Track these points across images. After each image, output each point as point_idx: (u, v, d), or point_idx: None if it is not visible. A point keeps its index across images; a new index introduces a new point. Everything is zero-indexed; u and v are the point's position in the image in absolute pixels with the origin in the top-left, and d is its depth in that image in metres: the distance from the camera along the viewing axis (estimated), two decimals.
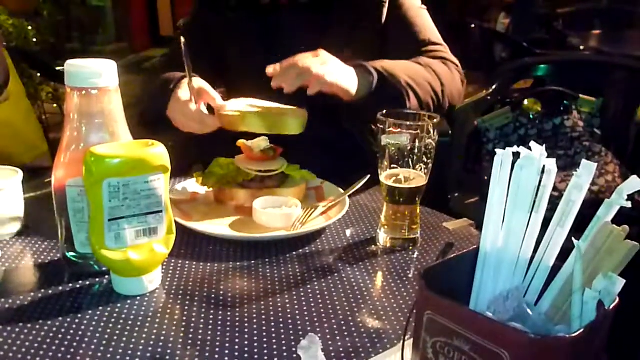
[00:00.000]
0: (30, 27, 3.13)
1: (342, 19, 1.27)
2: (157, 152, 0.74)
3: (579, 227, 0.56)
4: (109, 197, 0.71)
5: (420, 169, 0.89)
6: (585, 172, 0.55)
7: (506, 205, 0.59)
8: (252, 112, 1.03)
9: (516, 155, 0.59)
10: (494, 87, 2.01)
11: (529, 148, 0.59)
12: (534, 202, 0.58)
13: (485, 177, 1.92)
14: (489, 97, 1.99)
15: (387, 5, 1.26)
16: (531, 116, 1.90)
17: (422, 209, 0.99)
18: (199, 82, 1.11)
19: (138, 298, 0.76)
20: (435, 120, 0.89)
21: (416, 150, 0.88)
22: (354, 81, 1.07)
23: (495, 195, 0.59)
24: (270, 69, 1.03)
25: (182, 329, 0.71)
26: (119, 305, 0.75)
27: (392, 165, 0.89)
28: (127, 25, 6.76)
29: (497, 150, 0.59)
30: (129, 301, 0.76)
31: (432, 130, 0.88)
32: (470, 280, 0.61)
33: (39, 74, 2.84)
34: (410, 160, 0.89)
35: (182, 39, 1.06)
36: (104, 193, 0.71)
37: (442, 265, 0.60)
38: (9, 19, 2.89)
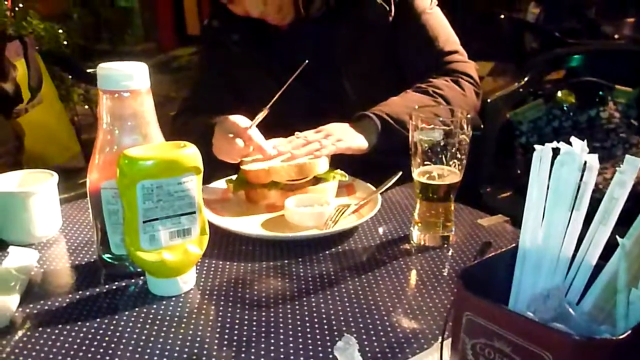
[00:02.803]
0: (60, 30, 3.18)
1: (347, 33, 1.25)
2: (190, 154, 0.74)
3: (618, 220, 0.55)
4: (142, 199, 0.71)
5: (454, 165, 0.88)
6: (630, 168, 0.53)
7: (546, 202, 0.57)
8: (278, 167, 1.02)
9: (555, 151, 0.57)
10: (525, 79, 1.98)
11: (566, 141, 0.57)
12: (575, 199, 0.56)
13: (518, 171, 1.89)
14: (520, 90, 1.95)
15: (392, 14, 1.23)
16: (565, 108, 1.86)
17: (456, 206, 0.97)
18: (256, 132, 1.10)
19: (173, 299, 0.77)
20: (469, 116, 0.87)
21: (449, 147, 0.87)
22: (362, 138, 1.10)
23: (534, 192, 0.58)
24: (272, 150, 1.07)
25: (217, 329, 0.71)
26: (154, 306, 0.75)
27: (425, 162, 0.88)
28: (154, 25, 6.84)
29: (536, 147, 0.57)
30: (164, 302, 0.76)
31: (465, 126, 0.87)
32: (509, 279, 0.60)
33: (70, 76, 2.89)
34: (443, 156, 0.87)
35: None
36: (138, 195, 0.71)
37: (480, 265, 0.59)
38: (40, 23, 2.95)
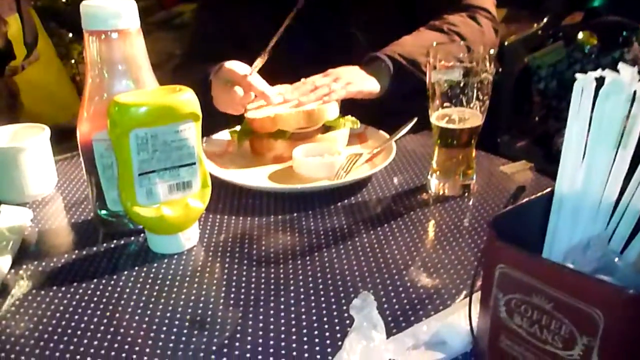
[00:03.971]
0: None
1: None
2: (186, 99, 0.67)
3: None
4: (137, 149, 0.65)
5: (476, 107, 0.81)
6: None
7: (587, 140, 0.50)
8: (285, 114, 0.94)
9: (599, 82, 0.50)
10: (544, 21, 1.87)
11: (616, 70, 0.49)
12: (622, 135, 0.49)
13: (537, 118, 1.81)
14: (539, 32, 1.84)
15: None
16: (586, 51, 1.76)
17: (476, 152, 0.90)
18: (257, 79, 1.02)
19: (175, 256, 0.72)
20: (491, 52, 0.79)
21: (470, 87, 0.80)
22: (374, 81, 1.03)
23: (574, 129, 0.51)
24: (277, 97, 0.99)
25: (223, 288, 0.66)
26: (155, 264, 0.70)
27: (445, 104, 0.81)
28: None
29: (578, 76, 0.50)
30: (166, 260, 0.71)
31: (487, 64, 0.79)
32: (543, 228, 0.54)
33: (69, 34, 2.80)
34: (463, 97, 0.80)
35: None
36: (132, 145, 0.65)
37: (512, 212, 0.52)
38: None
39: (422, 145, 1.04)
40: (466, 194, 0.85)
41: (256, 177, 0.91)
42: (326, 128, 0.99)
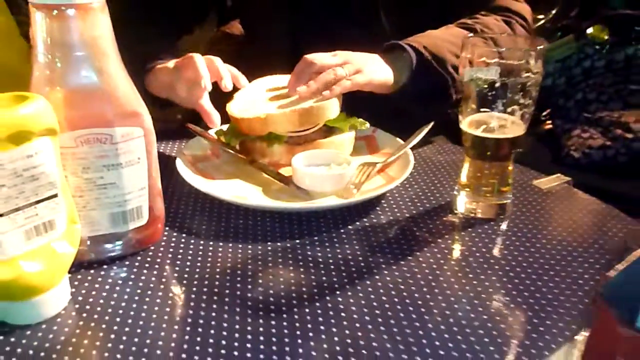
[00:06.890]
0: None
1: None
2: (36, 110, 0.49)
3: None
4: None
5: (517, 114, 0.67)
6: None
7: None
8: (278, 114, 0.78)
9: None
10: (553, 12, 1.74)
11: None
12: None
13: (542, 117, 1.69)
14: (547, 25, 1.71)
15: None
16: (597, 46, 1.64)
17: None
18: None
19: (44, 326, 0.51)
20: (539, 48, 0.65)
21: (512, 88, 0.65)
22: (389, 71, 0.86)
23: None
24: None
25: None
26: (13, 338, 0.50)
27: (482, 109, 0.67)
28: None
29: None
30: (28, 332, 0.50)
31: (533, 61, 0.65)
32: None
33: None
34: (502, 102, 0.66)
35: None
36: None
37: (620, 277, 0.39)
38: None
39: (437, 152, 0.90)
40: (501, 217, 0.71)
41: (247, 189, 0.75)
42: (329, 130, 0.84)
